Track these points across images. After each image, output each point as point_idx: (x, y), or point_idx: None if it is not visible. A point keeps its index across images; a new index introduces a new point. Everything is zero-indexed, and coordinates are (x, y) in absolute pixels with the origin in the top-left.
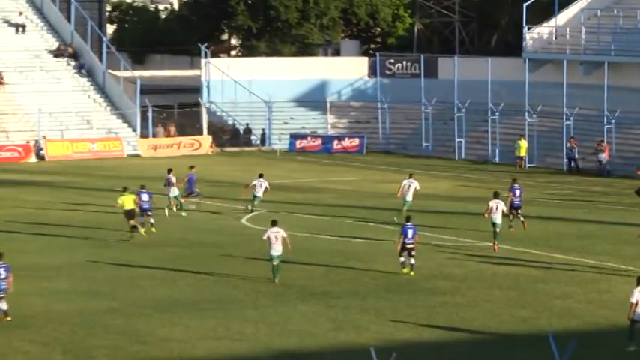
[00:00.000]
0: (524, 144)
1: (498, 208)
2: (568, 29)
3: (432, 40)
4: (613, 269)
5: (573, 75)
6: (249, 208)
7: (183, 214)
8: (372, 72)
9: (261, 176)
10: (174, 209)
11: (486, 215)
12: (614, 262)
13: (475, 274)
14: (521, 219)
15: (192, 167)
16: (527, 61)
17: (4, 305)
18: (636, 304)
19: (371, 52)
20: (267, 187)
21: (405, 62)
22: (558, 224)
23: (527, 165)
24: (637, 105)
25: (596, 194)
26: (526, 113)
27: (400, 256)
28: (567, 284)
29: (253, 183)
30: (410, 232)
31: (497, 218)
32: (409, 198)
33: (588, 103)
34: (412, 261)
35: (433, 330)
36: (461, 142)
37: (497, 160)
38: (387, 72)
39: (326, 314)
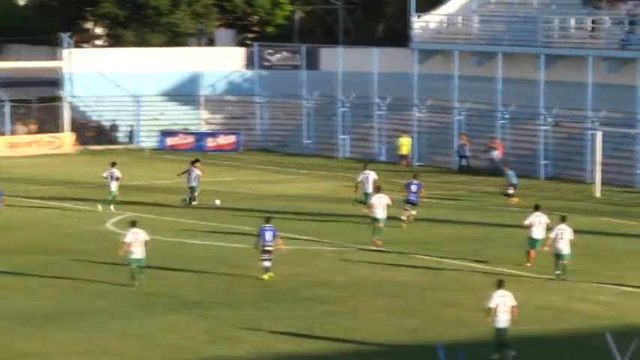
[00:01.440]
0: (406, 141)
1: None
2: (459, 17)
3: (314, 29)
4: (505, 275)
5: (465, 66)
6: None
7: (111, 207)
8: (249, 63)
9: (113, 165)
10: (112, 207)
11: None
12: (507, 268)
13: (359, 281)
14: (411, 214)
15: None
16: (415, 51)
17: None
18: (496, 309)
19: (248, 42)
20: (119, 175)
21: (284, 53)
22: (448, 227)
23: (416, 163)
24: (532, 99)
25: (489, 195)
26: (414, 108)
27: (262, 260)
28: (457, 291)
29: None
30: (268, 235)
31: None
32: (369, 190)
33: (481, 97)
34: (268, 264)
35: (314, 342)
36: (345, 139)
37: (383, 158)
38: (265, 63)
39: (198, 326)
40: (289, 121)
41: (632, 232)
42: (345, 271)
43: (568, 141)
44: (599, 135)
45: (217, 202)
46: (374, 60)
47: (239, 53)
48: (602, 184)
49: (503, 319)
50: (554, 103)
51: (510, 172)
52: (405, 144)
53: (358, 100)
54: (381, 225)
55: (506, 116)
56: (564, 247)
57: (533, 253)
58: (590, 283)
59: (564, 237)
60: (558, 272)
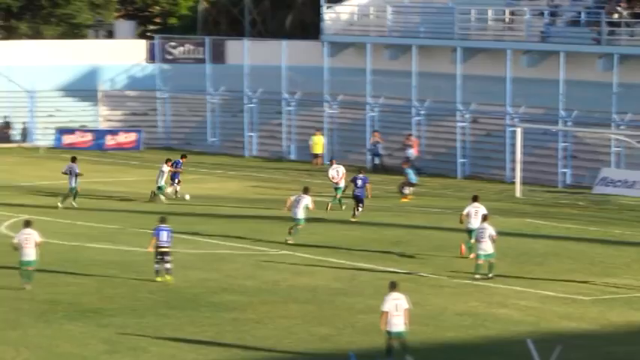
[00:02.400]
0: (320, 139)
1: (478, 213)
2: (372, 9)
3: (219, 20)
4: (423, 279)
5: (378, 60)
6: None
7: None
8: (151, 57)
9: (73, 160)
10: (74, 202)
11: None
12: (425, 272)
13: (269, 287)
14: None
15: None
16: (326, 44)
17: None
18: (390, 313)
19: (149, 34)
20: (78, 171)
21: (188, 46)
22: (361, 229)
23: (327, 162)
24: (449, 94)
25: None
26: (325, 104)
27: (156, 262)
28: (372, 297)
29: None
30: (164, 235)
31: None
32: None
33: (395, 92)
34: (168, 265)
35: (221, 350)
36: (252, 136)
37: (293, 156)
38: (168, 57)
39: (98, 335)
40: (193, 117)
41: (554, 233)
42: (254, 276)
43: (487, 138)
44: (519, 132)
45: (187, 196)
46: (282, 53)
47: (140, 46)
48: (523, 183)
49: (397, 323)
50: (472, 98)
51: (409, 171)
52: (319, 142)
53: (266, 96)
54: (299, 226)
55: (422, 112)
56: (487, 247)
57: (464, 247)
58: (511, 288)
59: (485, 236)
60: (478, 276)
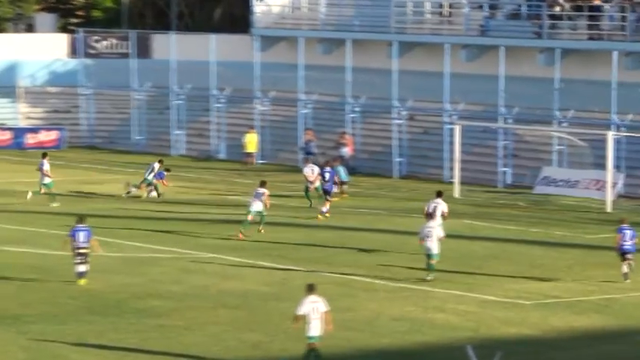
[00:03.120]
0: (253, 137)
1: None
2: (304, 1)
3: (145, 13)
4: (357, 283)
5: (311, 55)
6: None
7: (55, 204)
8: (73, 51)
9: (44, 156)
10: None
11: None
12: (358, 275)
13: (197, 292)
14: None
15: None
16: (257, 38)
17: None
18: (308, 317)
19: (71, 27)
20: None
21: (112, 40)
22: (294, 231)
23: (259, 161)
24: (385, 90)
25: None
26: (256, 100)
27: (75, 264)
28: None
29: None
30: (82, 235)
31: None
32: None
33: (329, 88)
34: (84, 268)
35: (146, 358)
36: (179, 134)
37: (223, 155)
38: (91, 51)
39: (17, 342)
40: (118, 115)
41: (494, 235)
42: (181, 281)
43: (424, 136)
44: (457, 129)
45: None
46: (211, 47)
47: (62, 40)
48: (462, 183)
49: (315, 327)
50: (408, 94)
51: (339, 169)
52: (252, 141)
53: (194, 92)
54: (249, 218)
55: (357, 109)
56: (433, 247)
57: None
58: (449, 292)
59: (432, 235)
60: (429, 278)
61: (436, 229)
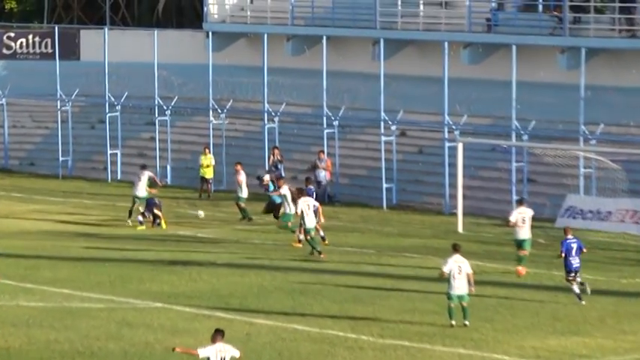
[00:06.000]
0: (209, 160)
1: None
2: None
3: (71, 4)
4: (337, 339)
5: (278, 55)
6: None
7: None
8: None
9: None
10: None
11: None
12: (339, 330)
13: (139, 350)
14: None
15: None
16: (210, 34)
17: None
18: None
19: None
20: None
21: (31, 37)
22: (258, 274)
23: (215, 188)
24: (370, 99)
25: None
26: (210, 112)
27: None
28: None
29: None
30: None
31: None
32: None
33: (300, 97)
34: None
35: None
36: (116, 154)
37: (168, 180)
38: (5, 51)
39: None
40: (38, 130)
41: (507, 279)
42: (120, 337)
43: (419, 157)
44: (460, 148)
45: (201, 213)
46: (154, 46)
47: None
48: (466, 215)
49: None
50: (399, 104)
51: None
52: (209, 164)
53: (133, 102)
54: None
55: (335, 123)
56: (462, 285)
57: (522, 269)
58: (451, 349)
59: (462, 271)
60: (454, 322)
61: (465, 265)
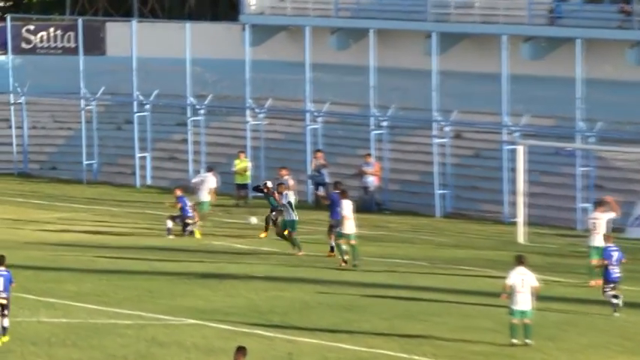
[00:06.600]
0: (245, 164)
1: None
2: None
3: None
4: (387, 359)
5: (321, 51)
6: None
7: None
8: (0, 46)
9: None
10: None
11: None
12: (389, 350)
13: None
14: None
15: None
16: (247, 28)
17: None
18: None
19: None
20: None
21: (52, 31)
22: (301, 289)
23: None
24: (422, 98)
25: (363, 240)
26: (248, 111)
27: None
28: None
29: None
30: (1, 282)
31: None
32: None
33: (346, 96)
34: (6, 323)
35: None
36: (144, 157)
37: None
38: (25, 45)
39: None
40: (61, 131)
41: (572, 294)
42: (150, 356)
43: (475, 160)
44: (520, 151)
45: (253, 220)
46: (186, 40)
47: None
48: (528, 224)
49: None
50: (453, 104)
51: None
52: (244, 169)
53: (164, 100)
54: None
55: (384, 124)
56: (525, 300)
57: (595, 281)
58: None
59: (526, 285)
60: (516, 341)
61: (529, 277)
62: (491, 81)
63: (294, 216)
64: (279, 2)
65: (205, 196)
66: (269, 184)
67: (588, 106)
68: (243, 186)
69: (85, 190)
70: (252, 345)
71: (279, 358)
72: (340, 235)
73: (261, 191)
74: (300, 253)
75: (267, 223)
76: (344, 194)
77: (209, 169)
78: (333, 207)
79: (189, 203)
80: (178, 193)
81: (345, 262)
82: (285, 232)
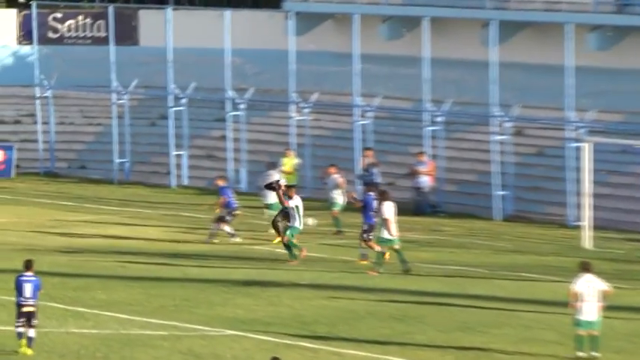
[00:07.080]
0: (291, 162)
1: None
2: None
3: None
4: None
5: (371, 40)
6: None
7: None
8: (25, 35)
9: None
10: None
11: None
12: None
13: None
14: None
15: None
16: (291, 16)
17: None
18: None
19: (22, 0)
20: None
21: (81, 19)
22: (347, 297)
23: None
24: (479, 92)
25: (412, 245)
26: (292, 106)
27: (18, 325)
28: None
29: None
30: (28, 288)
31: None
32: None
33: (397, 89)
34: (32, 333)
35: None
36: (180, 156)
37: (243, 187)
38: (52, 35)
39: None
40: (90, 127)
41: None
42: None
43: (538, 159)
44: (586, 149)
45: (310, 221)
46: (225, 29)
47: (9, 19)
48: (594, 228)
49: None
50: (514, 98)
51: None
52: (291, 167)
53: (201, 94)
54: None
55: (439, 119)
56: (593, 310)
57: None
58: None
59: (593, 294)
60: (582, 354)
61: (595, 284)
62: (554, 73)
63: (298, 223)
64: None
65: (274, 197)
66: (283, 182)
67: None
68: (291, 187)
69: (115, 190)
70: (295, 358)
71: None
72: (383, 241)
73: (274, 189)
74: (293, 263)
75: (275, 227)
76: (384, 195)
77: (271, 166)
78: (366, 210)
79: (232, 195)
80: (220, 183)
81: (378, 272)
82: (284, 239)
